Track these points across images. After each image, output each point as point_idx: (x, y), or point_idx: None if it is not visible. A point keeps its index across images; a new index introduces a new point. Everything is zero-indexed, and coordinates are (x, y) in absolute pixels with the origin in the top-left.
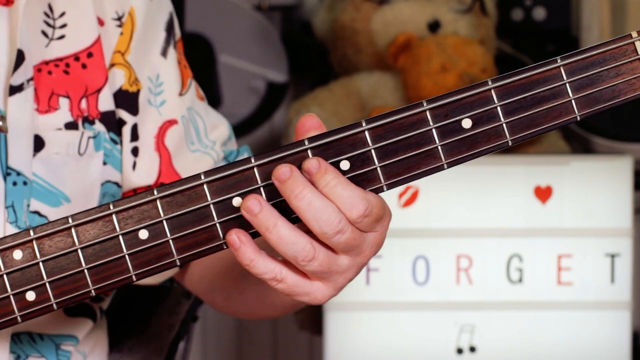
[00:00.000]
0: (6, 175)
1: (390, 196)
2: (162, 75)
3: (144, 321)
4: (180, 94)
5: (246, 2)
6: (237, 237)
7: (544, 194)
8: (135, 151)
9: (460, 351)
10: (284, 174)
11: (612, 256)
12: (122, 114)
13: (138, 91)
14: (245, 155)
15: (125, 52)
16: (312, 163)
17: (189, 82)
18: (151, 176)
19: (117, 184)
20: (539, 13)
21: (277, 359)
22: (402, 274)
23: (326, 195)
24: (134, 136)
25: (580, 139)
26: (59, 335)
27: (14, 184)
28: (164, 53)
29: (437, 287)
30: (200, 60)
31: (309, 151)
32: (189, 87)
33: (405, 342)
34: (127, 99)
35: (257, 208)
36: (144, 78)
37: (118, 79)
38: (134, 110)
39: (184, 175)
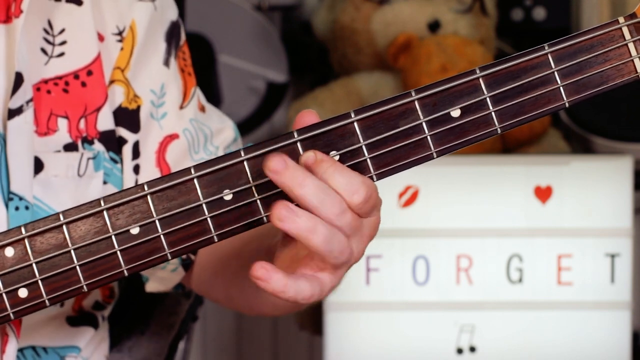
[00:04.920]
0: (8, 200)
1: (390, 196)
2: (166, 86)
3: (144, 321)
4: (181, 107)
5: (246, 2)
6: (264, 270)
7: (544, 194)
8: (136, 169)
9: (460, 351)
10: (279, 164)
11: (612, 256)
12: (123, 132)
13: (138, 107)
14: None
15: (125, 69)
16: (309, 155)
17: (192, 91)
18: None
19: None
20: (539, 13)
21: (277, 359)
22: (402, 274)
23: (325, 183)
24: (136, 154)
25: (580, 139)
26: (63, 347)
27: (16, 209)
28: (167, 63)
29: (437, 287)
30: (200, 60)
31: (298, 143)
32: (192, 97)
33: (405, 342)
34: (127, 117)
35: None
36: (145, 92)
37: (117, 96)
38: (134, 127)
39: None
